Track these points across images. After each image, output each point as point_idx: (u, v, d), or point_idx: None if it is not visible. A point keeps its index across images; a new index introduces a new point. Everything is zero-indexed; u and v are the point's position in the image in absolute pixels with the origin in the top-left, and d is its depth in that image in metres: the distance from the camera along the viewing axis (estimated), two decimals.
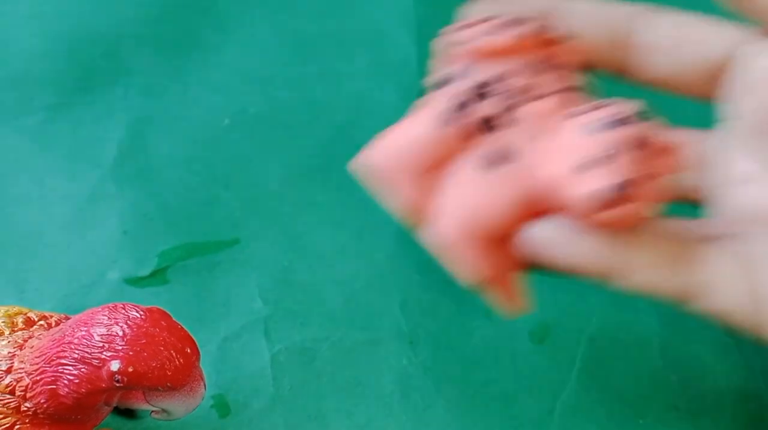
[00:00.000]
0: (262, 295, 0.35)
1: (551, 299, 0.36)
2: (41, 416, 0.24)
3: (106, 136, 0.40)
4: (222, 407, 0.31)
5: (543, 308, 0.36)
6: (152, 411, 0.24)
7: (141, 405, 0.24)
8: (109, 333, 0.23)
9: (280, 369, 0.33)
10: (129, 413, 0.30)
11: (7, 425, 0.24)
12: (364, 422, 0.32)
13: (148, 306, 0.24)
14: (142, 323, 0.23)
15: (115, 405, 0.25)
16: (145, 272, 0.35)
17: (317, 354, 0.34)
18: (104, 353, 0.22)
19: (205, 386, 0.24)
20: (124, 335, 0.22)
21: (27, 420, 0.24)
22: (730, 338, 0.36)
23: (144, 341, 0.22)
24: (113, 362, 0.22)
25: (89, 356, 0.22)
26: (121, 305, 0.23)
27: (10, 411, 0.24)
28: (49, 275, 0.35)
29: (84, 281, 0.35)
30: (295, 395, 0.32)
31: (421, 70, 0.45)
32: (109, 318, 0.23)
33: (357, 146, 0.43)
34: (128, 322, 0.23)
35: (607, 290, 0.37)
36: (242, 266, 0.36)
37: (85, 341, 0.23)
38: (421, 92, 0.44)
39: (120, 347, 0.22)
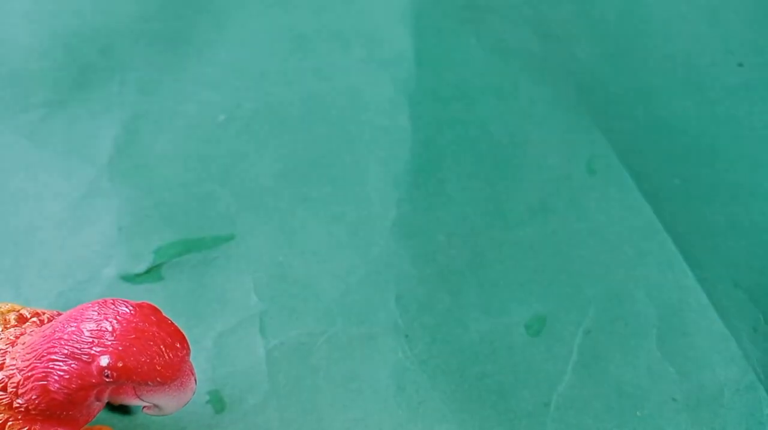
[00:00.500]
0: (257, 290, 0.35)
1: (547, 291, 0.36)
2: (33, 412, 0.24)
3: (102, 132, 0.40)
4: (218, 402, 0.31)
5: (539, 300, 0.36)
6: (144, 406, 0.24)
7: (132, 400, 0.24)
8: (99, 328, 0.22)
9: (275, 364, 0.33)
10: (123, 409, 0.30)
11: (0, 422, 0.24)
12: (360, 417, 0.32)
13: (138, 301, 0.24)
14: (131, 318, 0.23)
15: (107, 401, 0.25)
16: (141, 268, 0.35)
17: (313, 349, 0.33)
18: (94, 348, 0.22)
19: (195, 380, 0.24)
20: (114, 330, 0.22)
21: (19, 417, 0.24)
22: (729, 329, 0.36)
23: (133, 336, 0.22)
24: (102, 357, 0.22)
25: (79, 352, 0.22)
26: (111, 301, 0.23)
27: (3, 408, 0.24)
28: (44, 271, 0.35)
29: (80, 277, 0.35)
30: (290, 390, 0.32)
31: (417, 64, 0.45)
32: (98, 313, 0.23)
33: (352, 141, 0.43)
34: (118, 317, 0.23)
35: (604, 282, 0.37)
36: (237, 261, 0.36)
37: (74, 336, 0.23)
38: (417, 86, 0.44)
39: (109, 342, 0.22)
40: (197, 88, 0.43)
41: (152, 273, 0.35)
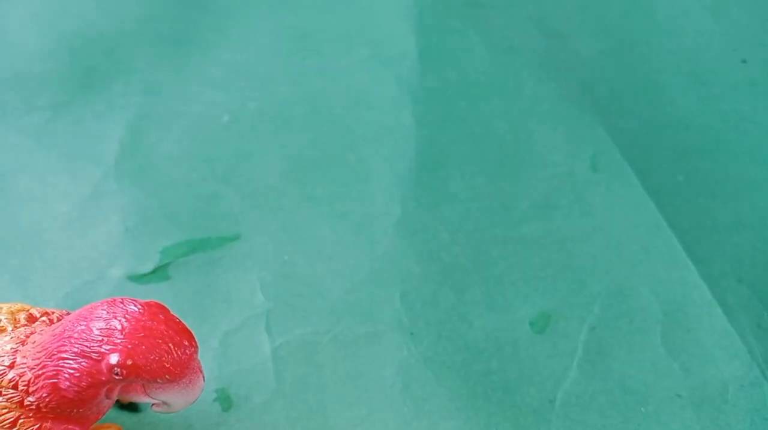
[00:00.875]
0: (263, 289, 0.35)
1: (552, 288, 0.36)
2: (44, 410, 0.24)
3: (107, 134, 0.40)
4: (225, 400, 0.32)
5: (543, 297, 0.36)
6: (153, 404, 0.25)
7: (141, 398, 0.24)
8: (108, 327, 0.23)
9: (281, 362, 0.33)
10: (132, 407, 0.31)
11: (11, 420, 0.24)
12: (366, 414, 0.32)
13: (146, 300, 0.24)
14: (140, 316, 0.23)
15: (116, 399, 0.25)
16: (148, 268, 0.35)
17: (318, 347, 0.34)
18: (103, 346, 0.23)
19: (204, 378, 0.24)
20: (123, 328, 0.23)
21: (30, 414, 0.24)
22: (733, 326, 0.36)
23: (142, 334, 0.23)
24: (112, 355, 0.22)
25: (89, 350, 0.23)
26: (120, 300, 0.24)
27: (14, 405, 0.24)
28: (52, 272, 0.35)
29: (87, 277, 0.35)
30: (296, 387, 0.32)
31: (420, 62, 0.45)
32: (107, 312, 0.23)
33: (356, 139, 0.43)
34: (126, 316, 0.23)
35: (609, 278, 0.37)
36: (243, 261, 0.36)
37: (84, 335, 0.23)
38: (420, 84, 0.44)
39: (119, 341, 0.23)
40: (202, 88, 0.43)
41: (159, 273, 0.35)
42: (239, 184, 0.39)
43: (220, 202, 0.38)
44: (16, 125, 0.40)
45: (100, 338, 0.23)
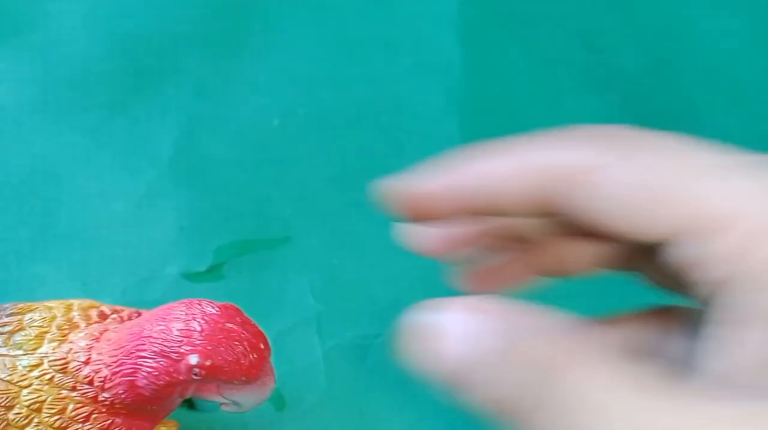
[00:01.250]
0: (313, 292, 0.36)
1: (572, 307, 0.37)
2: (118, 406, 0.25)
3: (161, 135, 0.41)
4: (278, 400, 0.32)
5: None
6: (222, 403, 0.25)
7: (214, 397, 0.25)
8: (187, 328, 0.23)
9: (332, 364, 0.34)
10: (189, 405, 0.31)
11: (85, 414, 0.25)
12: (414, 419, 0.33)
13: (222, 303, 0.25)
14: (218, 318, 0.24)
15: (187, 398, 0.26)
16: (202, 267, 0.36)
17: (368, 351, 0.34)
18: (183, 346, 0.23)
19: (274, 380, 0.25)
20: (202, 330, 0.23)
21: (104, 410, 0.25)
22: None
23: (221, 336, 0.23)
24: (192, 355, 0.23)
25: (168, 350, 0.23)
26: (197, 301, 0.24)
27: (88, 400, 0.25)
28: (109, 268, 0.36)
29: (143, 274, 0.36)
30: (347, 390, 0.33)
31: (465, 73, 0.46)
32: (186, 313, 0.24)
33: (401, 147, 0.44)
34: (205, 317, 0.24)
35: (630, 298, 0.37)
36: (293, 263, 0.37)
37: (163, 335, 0.24)
38: (464, 95, 0.45)
39: (198, 342, 0.23)
40: (250, 93, 0.44)
41: (214, 272, 0.36)
42: (288, 187, 0.40)
43: (270, 205, 0.39)
44: (73, 124, 0.41)
45: (180, 339, 0.23)
